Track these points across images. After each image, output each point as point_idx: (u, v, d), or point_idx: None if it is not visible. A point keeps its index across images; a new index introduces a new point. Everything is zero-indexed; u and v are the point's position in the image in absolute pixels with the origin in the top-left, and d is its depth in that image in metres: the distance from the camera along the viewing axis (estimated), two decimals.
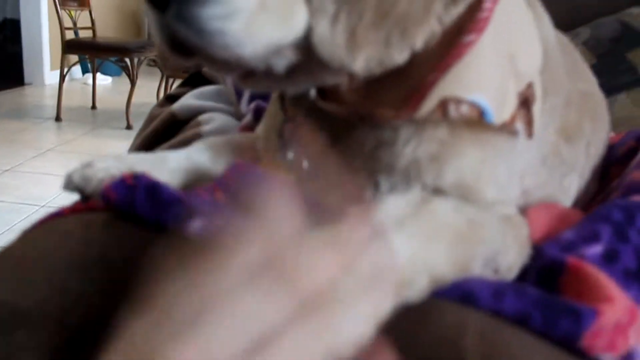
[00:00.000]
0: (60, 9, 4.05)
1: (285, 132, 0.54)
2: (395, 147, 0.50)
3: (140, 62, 4.14)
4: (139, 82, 4.18)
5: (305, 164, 0.53)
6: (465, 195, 0.49)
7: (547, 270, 0.50)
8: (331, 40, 0.43)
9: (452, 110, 0.47)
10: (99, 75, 4.87)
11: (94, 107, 4.66)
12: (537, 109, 0.54)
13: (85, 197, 0.54)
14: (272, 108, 0.61)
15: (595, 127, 0.71)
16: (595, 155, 0.72)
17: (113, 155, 0.56)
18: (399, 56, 0.44)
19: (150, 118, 0.97)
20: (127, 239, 0.46)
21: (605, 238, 0.53)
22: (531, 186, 0.63)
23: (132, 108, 4.12)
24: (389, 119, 0.49)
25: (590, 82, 0.75)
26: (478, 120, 0.48)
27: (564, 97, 0.64)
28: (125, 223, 0.48)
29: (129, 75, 4.12)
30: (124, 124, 4.10)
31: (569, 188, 0.68)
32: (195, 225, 0.45)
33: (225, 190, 0.54)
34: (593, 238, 0.53)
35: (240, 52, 0.42)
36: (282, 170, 0.54)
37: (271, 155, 0.57)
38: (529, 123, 0.53)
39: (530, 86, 0.53)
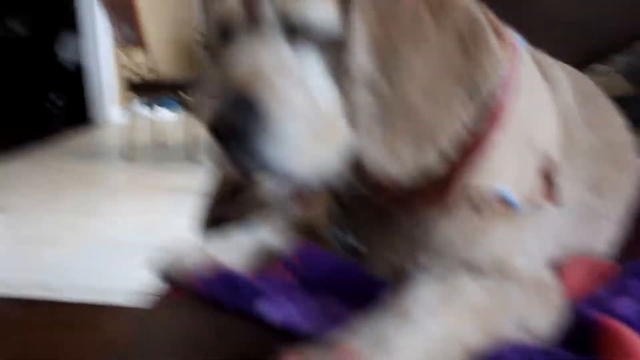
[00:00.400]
0: (121, 53, 4.29)
1: (335, 214, 0.62)
2: (430, 229, 0.57)
3: None
4: None
5: (354, 242, 0.62)
6: (496, 268, 0.56)
7: (580, 330, 0.55)
8: (372, 152, 0.50)
9: (478, 200, 0.54)
10: (162, 110, 5.09)
11: (158, 142, 4.88)
12: (559, 177, 0.60)
13: (172, 283, 0.64)
14: (323, 194, 0.69)
15: (625, 176, 0.75)
16: (627, 201, 0.76)
17: (193, 246, 0.66)
18: (432, 159, 0.51)
19: (217, 178, 1.07)
20: (213, 324, 0.56)
21: (638, 294, 0.58)
22: (567, 240, 0.68)
23: (194, 140, 4.30)
24: (422, 207, 0.56)
25: (616, 129, 0.78)
26: (502, 206, 0.55)
27: (588, 153, 0.69)
28: (211, 309, 0.57)
29: (188, 111, 4.30)
30: (189, 157, 4.28)
31: (606, 237, 0.73)
32: (267, 308, 0.54)
33: (291, 270, 0.62)
34: (625, 294, 0.58)
35: (297, 175, 0.50)
36: (340, 252, 0.62)
37: (328, 238, 0.65)
38: (554, 193, 0.59)
39: (550, 160, 0.59)
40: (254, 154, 0.48)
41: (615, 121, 0.80)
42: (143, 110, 5.73)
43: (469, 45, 0.50)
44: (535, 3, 1.57)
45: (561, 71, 0.72)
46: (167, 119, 5.74)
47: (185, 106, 4.31)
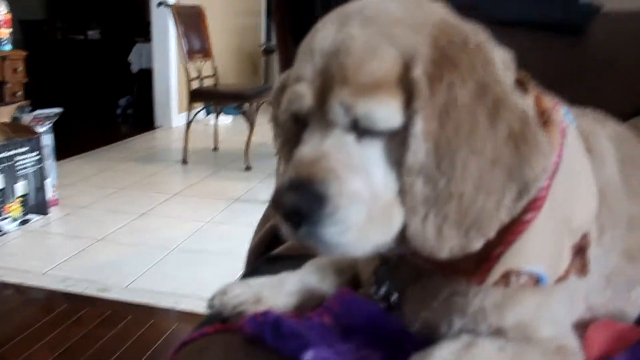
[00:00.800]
0: (188, 61, 4.44)
1: (379, 272, 0.67)
2: (467, 298, 0.60)
3: (258, 107, 4.43)
4: (257, 121, 4.46)
5: (394, 297, 0.66)
6: (523, 334, 0.59)
7: None
8: (422, 235, 0.54)
9: (514, 280, 0.57)
10: (223, 117, 5.25)
11: (216, 148, 5.03)
12: (592, 250, 0.63)
13: (223, 319, 0.70)
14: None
15: None
16: None
17: (242, 282, 0.72)
18: (476, 245, 0.54)
19: (267, 216, 1.14)
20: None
21: None
22: (596, 303, 0.71)
23: (251, 148, 4.42)
24: (459, 278, 0.60)
25: None
26: (534, 283, 0.58)
27: (626, 223, 0.71)
28: (255, 347, 0.63)
29: (247, 120, 4.42)
30: (244, 165, 4.40)
31: (636, 300, 0.75)
32: (308, 356, 0.59)
33: (332, 315, 0.67)
34: None
35: (353, 254, 0.56)
36: (376, 301, 0.67)
37: (367, 288, 0.70)
38: (584, 265, 0.62)
39: (585, 236, 0.62)
40: (316, 235, 0.53)
41: None
42: (205, 118, 5.93)
43: (521, 146, 0.54)
44: (601, 46, 1.57)
45: (608, 141, 0.74)
46: (228, 126, 5.91)
47: (246, 114, 4.42)
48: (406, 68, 0.54)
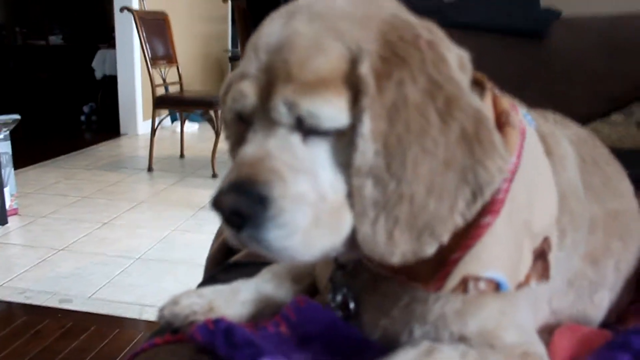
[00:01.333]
0: (152, 68, 4.37)
1: (335, 278, 0.64)
2: (427, 304, 0.58)
3: None
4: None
5: (351, 305, 0.64)
6: (486, 341, 0.57)
7: None
8: (372, 240, 0.52)
9: (472, 287, 0.55)
10: (186, 122, 5.17)
11: (182, 155, 4.95)
12: (553, 255, 0.61)
13: (175, 330, 0.66)
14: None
15: (626, 244, 0.76)
16: (626, 269, 0.77)
17: (194, 291, 0.69)
18: (430, 250, 0.52)
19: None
20: None
21: None
22: (560, 307, 0.70)
23: (217, 156, 4.36)
24: (417, 285, 0.58)
25: (622, 198, 0.79)
26: (494, 290, 0.56)
27: (587, 226, 0.70)
28: (206, 356, 0.60)
29: (213, 127, 4.37)
30: (210, 172, 4.34)
31: (599, 304, 0.74)
32: None
33: (288, 324, 0.65)
34: None
35: (300, 259, 0.52)
36: (333, 308, 0.64)
37: (324, 295, 0.67)
38: (546, 270, 0.60)
39: (546, 240, 0.60)
40: (259, 239, 0.51)
41: (622, 188, 0.81)
42: (172, 125, 5.85)
43: (474, 147, 0.51)
44: (562, 51, 1.59)
45: (568, 144, 0.73)
46: (194, 133, 5.84)
47: (211, 122, 4.37)
48: (353, 64, 0.51)
